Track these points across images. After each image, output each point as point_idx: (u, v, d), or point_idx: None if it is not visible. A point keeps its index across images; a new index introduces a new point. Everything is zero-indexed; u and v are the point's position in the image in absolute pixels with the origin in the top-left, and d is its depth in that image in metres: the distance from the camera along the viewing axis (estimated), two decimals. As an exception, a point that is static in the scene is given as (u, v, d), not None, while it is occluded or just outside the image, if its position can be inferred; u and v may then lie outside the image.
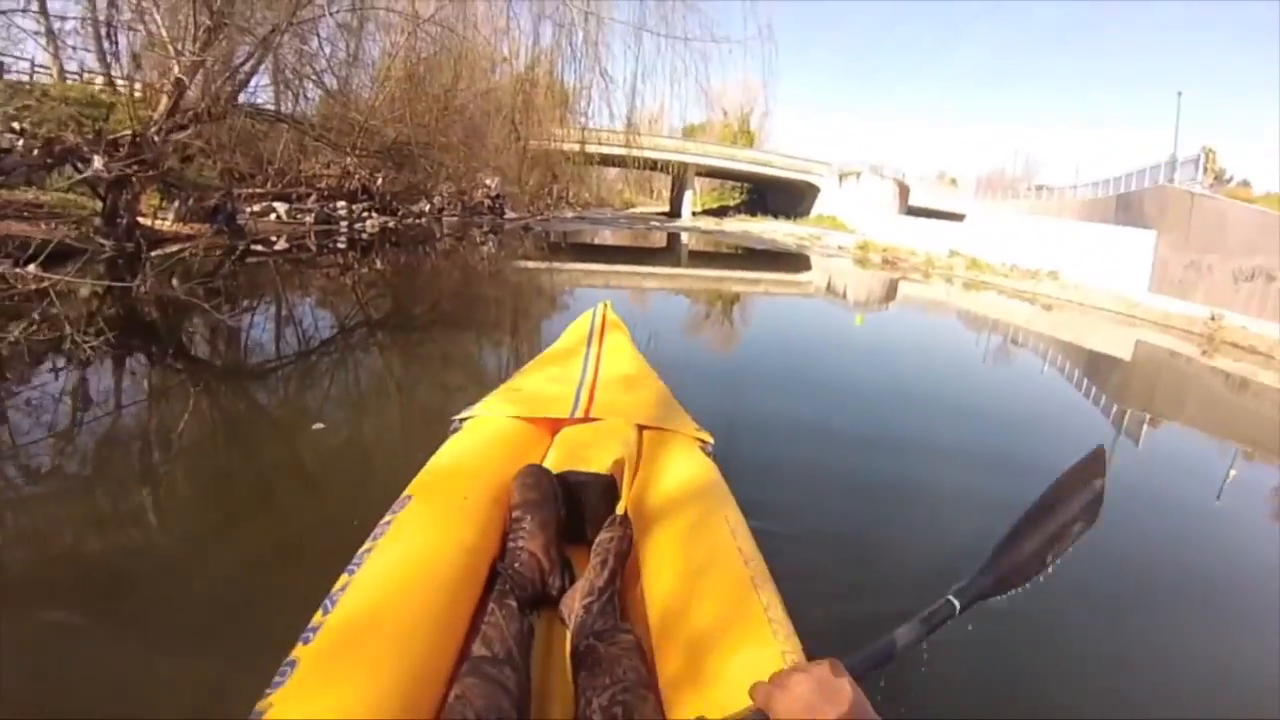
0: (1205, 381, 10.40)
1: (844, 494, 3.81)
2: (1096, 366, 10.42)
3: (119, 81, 13.95)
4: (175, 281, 8.56)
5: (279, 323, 7.54)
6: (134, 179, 10.32)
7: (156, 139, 10.39)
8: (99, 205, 10.37)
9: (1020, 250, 21.08)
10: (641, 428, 2.28)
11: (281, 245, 12.62)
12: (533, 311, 9.69)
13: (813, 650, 1.23)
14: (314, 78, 14.67)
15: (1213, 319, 13.44)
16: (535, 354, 3.09)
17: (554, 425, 2.29)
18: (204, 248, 10.69)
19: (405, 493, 1.73)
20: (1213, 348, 12.35)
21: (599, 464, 1.93)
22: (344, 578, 1.36)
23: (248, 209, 13.99)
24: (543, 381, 2.59)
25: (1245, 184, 21.48)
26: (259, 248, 11.95)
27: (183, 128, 10.83)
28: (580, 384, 2.49)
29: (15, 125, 10.15)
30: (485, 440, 2.12)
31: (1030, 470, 4.50)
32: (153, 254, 9.89)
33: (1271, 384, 10.00)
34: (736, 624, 1.33)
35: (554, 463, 1.98)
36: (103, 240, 9.71)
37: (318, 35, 13.86)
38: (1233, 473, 5.49)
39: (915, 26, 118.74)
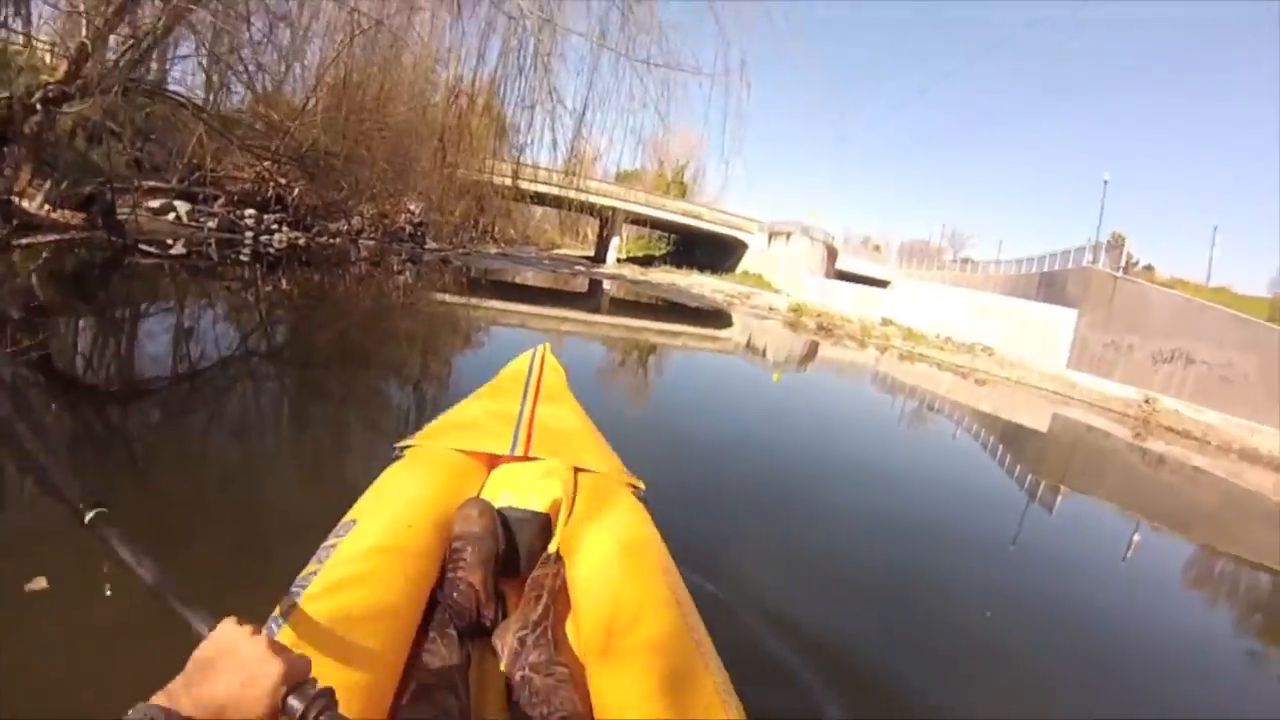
0: (1123, 455, 10.88)
1: (750, 540, 3.96)
2: (1021, 441, 10.58)
3: (38, 42, 12.74)
4: (35, 280, 7.77)
5: (177, 336, 6.84)
6: (8, 150, 9.39)
7: (38, 107, 9.42)
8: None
9: (946, 319, 21.38)
10: (577, 469, 2.26)
11: (178, 250, 11.65)
12: (444, 350, 9.27)
13: (739, 682, 1.36)
14: (242, 71, 13.68)
15: (1147, 402, 13.62)
16: (445, 394, 3.35)
17: (492, 460, 2.30)
18: (80, 241, 9.87)
19: (349, 516, 1.73)
20: (1147, 430, 12.59)
21: (536, 501, 1.98)
22: (288, 599, 1.35)
23: (145, 204, 12.87)
24: (481, 416, 2.56)
25: (1149, 268, 22.27)
26: (151, 249, 11.01)
27: (65, 98, 9.74)
28: (518, 422, 2.47)
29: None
30: (426, 470, 2.08)
31: (934, 533, 4.89)
32: (20, 242, 8.96)
33: (1204, 467, 10.58)
34: (670, 659, 1.37)
35: (491, 497, 2.00)
36: (-38, 220, 8.66)
37: (249, 24, 12.76)
38: (1136, 538, 6.03)
39: (850, 99, 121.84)
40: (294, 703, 0.84)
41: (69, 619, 2.19)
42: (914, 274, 38.87)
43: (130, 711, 0.70)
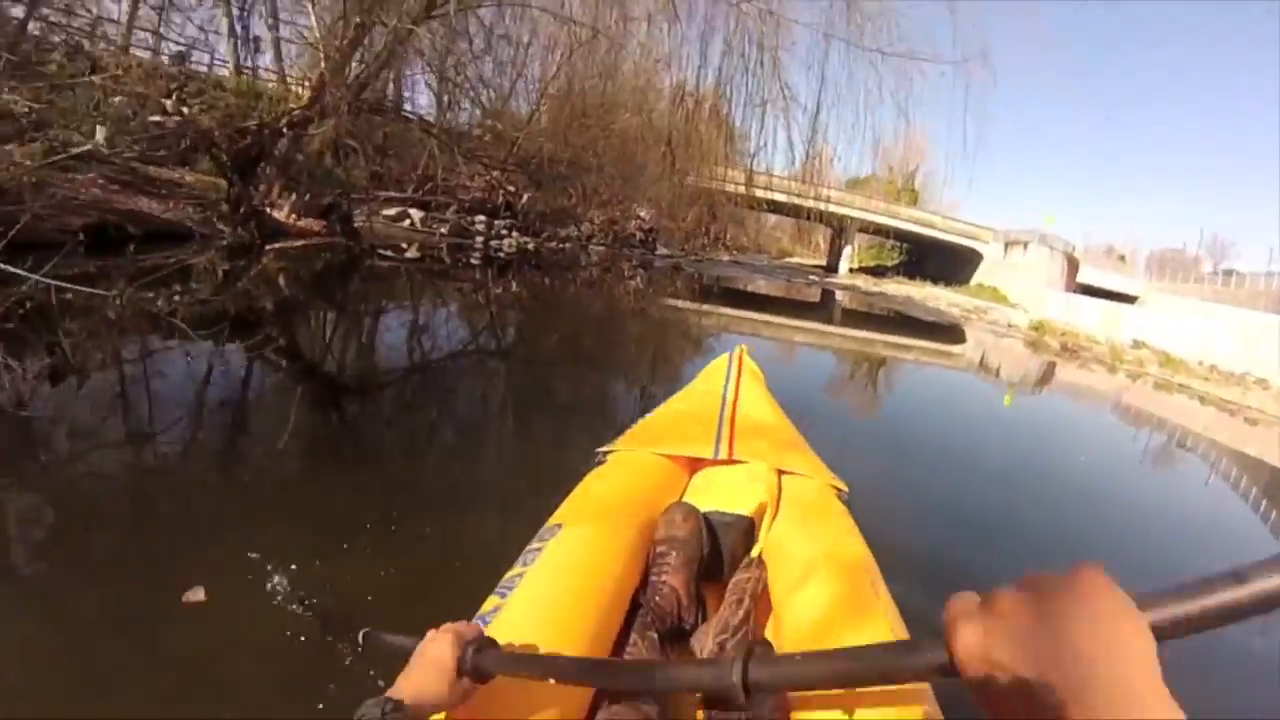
0: None
1: (962, 561, 3.62)
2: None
3: (289, 78, 14.17)
4: (282, 280, 8.17)
5: (410, 332, 7.28)
6: (261, 168, 10.41)
7: (285, 131, 10.37)
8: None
9: (1208, 343, 18.50)
10: (780, 472, 2.16)
11: (413, 254, 12.22)
12: (673, 356, 8.91)
13: (949, 699, 1.18)
14: (469, 89, 13.99)
15: None
16: (668, 398, 2.97)
17: (694, 464, 2.25)
18: (323, 246, 10.67)
19: (553, 521, 1.74)
20: None
21: (740, 505, 1.95)
22: (494, 599, 1.39)
23: (382, 212, 13.75)
24: (682, 420, 2.52)
25: None
26: (387, 252, 11.66)
27: (308, 121, 10.59)
28: (719, 425, 2.39)
29: (184, 109, 10.38)
30: (629, 474, 2.07)
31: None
32: (270, 247, 9.74)
33: None
34: None
35: (694, 500, 1.99)
36: (223, 226, 9.56)
37: (469, 42, 12.99)
38: None
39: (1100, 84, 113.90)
40: (464, 655, 0.97)
41: (226, 632, 2.13)
42: (1166, 288, 34.96)
43: (359, 709, 0.78)
